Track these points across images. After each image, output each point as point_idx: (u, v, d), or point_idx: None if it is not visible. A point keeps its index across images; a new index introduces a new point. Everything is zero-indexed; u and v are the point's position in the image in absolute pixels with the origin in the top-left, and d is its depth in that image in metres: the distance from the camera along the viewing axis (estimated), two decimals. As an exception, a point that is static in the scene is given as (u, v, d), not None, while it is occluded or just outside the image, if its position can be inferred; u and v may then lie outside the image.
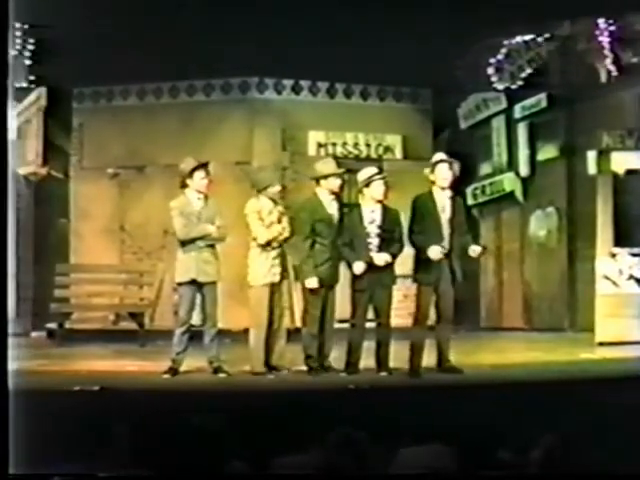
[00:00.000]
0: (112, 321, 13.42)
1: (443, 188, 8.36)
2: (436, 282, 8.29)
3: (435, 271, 8.26)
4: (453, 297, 8.41)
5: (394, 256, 8.40)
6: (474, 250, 8.40)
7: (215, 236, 8.48)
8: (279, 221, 8.55)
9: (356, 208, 8.62)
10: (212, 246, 8.50)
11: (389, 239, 8.40)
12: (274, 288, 8.55)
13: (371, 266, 8.30)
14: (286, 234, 8.55)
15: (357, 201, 8.80)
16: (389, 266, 8.40)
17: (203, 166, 8.46)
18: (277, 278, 8.55)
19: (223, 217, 8.60)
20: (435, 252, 8.17)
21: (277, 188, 8.70)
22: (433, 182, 8.38)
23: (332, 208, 8.54)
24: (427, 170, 8.44)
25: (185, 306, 8.44)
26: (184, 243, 8.47)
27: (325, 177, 8.55)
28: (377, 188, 8.43)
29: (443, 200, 8.35)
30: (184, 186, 8.50)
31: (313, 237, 8.42)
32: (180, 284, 8.51)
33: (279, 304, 8.66)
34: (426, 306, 8.37)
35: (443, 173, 8.34)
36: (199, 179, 8.42)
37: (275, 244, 8.52)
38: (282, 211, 8.65)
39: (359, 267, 8.28)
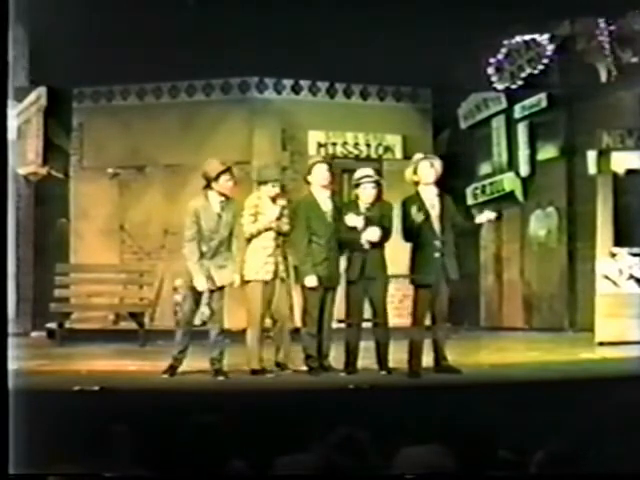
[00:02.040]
0: (112, 321, 13.43)
1: (427, 184, 8.42)
2: (432, 282, 8.30)
3: (429, 271, 8.28)
4: (448, 296, 8.43)
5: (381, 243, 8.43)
6: (486, 216, 8.62)
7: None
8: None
9: (353, 202, 8.65)
10: (228, 248, 8.39)
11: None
12: (269, 286, 8.56)
13: (364, 258, 8.33)
14: (281, 220, 8.55)
15: (349, 201, 8.86)
16: (380, 258, 8.41)
17: (228, 169, 8.37)
18: (269, 276, 8.55)
19: (241, 219, 8.53)
20: (417, 215, 8.26)
21: (276, 190, 8.70)
22: (417, 182, 8.45)
23: (327, 206, 8.55)
24: (409, 171, 8.50)
25: (188, 307, 8.39)
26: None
27: (309, 172, 8.62)
28: (365, 191, 8.47)
29: (431, 198, 8.41)
30: (207, 187, 8.36)
31: (309, 236, 8.44)
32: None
33: (279, 303, 8.67)
34: (423, 308, 8.38)
35: (425, 171, 8.42)
36: (224, 182, 8.28)
37: (268, 242, 8.53)
38: (284, 205, 8.67)
39: (375, 233, 8.28)
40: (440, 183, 8.55)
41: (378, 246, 8.41)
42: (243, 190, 9.14)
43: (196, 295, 8.30)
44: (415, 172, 8.45)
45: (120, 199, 14.16)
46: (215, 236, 8.27)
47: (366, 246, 8.34)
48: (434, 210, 8.37)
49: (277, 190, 8.71)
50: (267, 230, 8.58)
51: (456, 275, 8.40)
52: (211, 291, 8.29)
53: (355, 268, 8.39)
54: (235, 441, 4.61)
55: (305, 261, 8.42)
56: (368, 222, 8.36)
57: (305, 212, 8.50)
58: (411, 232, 8.33)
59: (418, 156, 8.63)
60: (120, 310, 13.15)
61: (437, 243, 8.28)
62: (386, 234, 8.43)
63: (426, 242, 8.28)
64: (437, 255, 8.27)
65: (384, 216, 8.45)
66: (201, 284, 8.21)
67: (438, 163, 8.57)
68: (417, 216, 8.27)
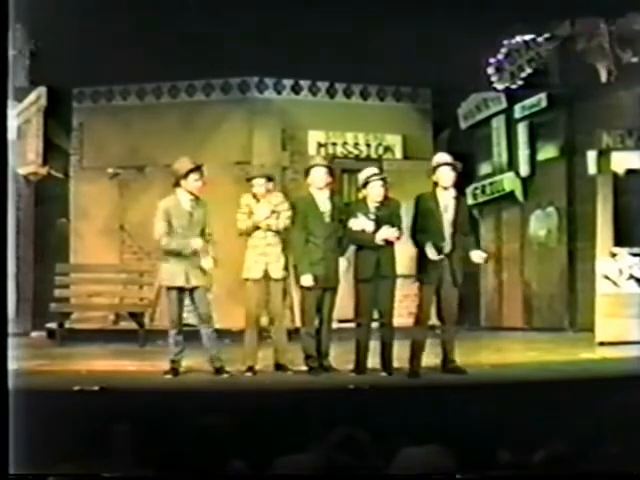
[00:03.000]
0: (112, 321, 13.43)
1: (446, 188, 8.34)
2: (437, 283, 8.26)
3: (436, 271, 8.23)
4: (457, 299, 8.37)
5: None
6: (478, 255, 8.36)
7: (201, 249, 8.30)
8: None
9: (361, 201, 8.60)
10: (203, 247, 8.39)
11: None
12: (261, 285, 8.57)
13: (378, 256, 8.30)
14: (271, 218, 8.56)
15: (357, 200, 8.83)
16: (392, 257, 8.39)
17: (197, 168, 8.41)
18: (259, 275, 8.55)
19: (213, 219, 8.53)
20: (432, 253, 8.17)
21: (264, 187, 8.68)
22: (436, 183, 8.35)
23: (325, 207, 8.54)
24: (429, 170, 8.43)
25: (173, 309, 8.38)
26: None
27: (307, 174, 8.61)
28: (374, 189, 8.42)
29: (446, 200, 8.31)
30: (177, 185, 8.41)
31: (306, 235, 8.44)
32: (168, 288, 8.43)
33: (274, 302, 8.67)
34: (428, 306, 8.35)
35: (446, 174, 8.30)
36: (193, 181, 8.33)
37: (258, 241, 8.54)
38: (276, 203, 8.65)
39: (391, 231, 8.25)
40: (458, 185, 8.46)
41: (390, 244, 8.39)
42: (242, 190, 9.14)
43: (179, 294, 8.32)
44: (434, 173, 8.34)
45: (120, 199, 14.16)
46: (188, 234, 8.29)
47: (380, 244, 8.32)
48: (447, 213, 8.29)
49: (264, 188, 8.67)
50: (257, 229, 8.59)
51: (460, 280, 8.35)
52: (191, 290, 8.29)
53: (369, 266, 8.32)
54: (235, 441, 4.61)
55: (302, 260, 8.42)
56: (379, 220, 8.33)
57: (303, 211, 8.50)
58: (421, 230, 8.28)
59: (442, 159, 8.45)
60: (120, 310, 13.15)
61: (444, 245, 8.25)
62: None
63: (434, 243, 8.20)
64: (442, 257, 8.22)
65: (393, 214, 8.42)
66: (179, 281, 8.23)
67: (459, 166, 8.46)
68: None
